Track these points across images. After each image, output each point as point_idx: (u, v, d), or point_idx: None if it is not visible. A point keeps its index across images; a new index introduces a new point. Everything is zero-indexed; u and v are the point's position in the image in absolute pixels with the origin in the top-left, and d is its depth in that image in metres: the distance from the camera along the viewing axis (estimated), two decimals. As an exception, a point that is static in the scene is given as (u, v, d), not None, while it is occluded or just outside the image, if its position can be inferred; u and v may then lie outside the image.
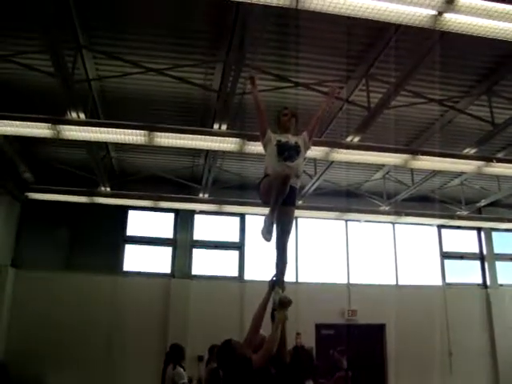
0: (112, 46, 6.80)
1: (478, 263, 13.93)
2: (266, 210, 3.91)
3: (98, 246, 11.61)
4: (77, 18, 6.19)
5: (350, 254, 13.13)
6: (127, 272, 11.94)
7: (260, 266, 11.75)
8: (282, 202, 3.83)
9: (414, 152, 8.41)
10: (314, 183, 10.65)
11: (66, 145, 9.65)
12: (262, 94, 5.00)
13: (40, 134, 7.50)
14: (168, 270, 12.17)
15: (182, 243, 12.32)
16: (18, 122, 7.22)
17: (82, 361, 10.51)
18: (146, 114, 8.44)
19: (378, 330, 12.65)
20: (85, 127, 7.39)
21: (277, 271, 3.98)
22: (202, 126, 8.34)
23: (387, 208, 12.09)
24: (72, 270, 11.23)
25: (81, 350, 10.62)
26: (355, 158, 8.58)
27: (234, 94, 7.10)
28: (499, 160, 8.77)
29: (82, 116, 7.37)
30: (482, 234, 13.98)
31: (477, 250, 14.03)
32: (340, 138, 8.46)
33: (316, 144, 7.35)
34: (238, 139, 7.74)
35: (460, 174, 11.28)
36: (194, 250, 12.43)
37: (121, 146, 9.92)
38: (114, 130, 7.49)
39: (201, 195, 11.32)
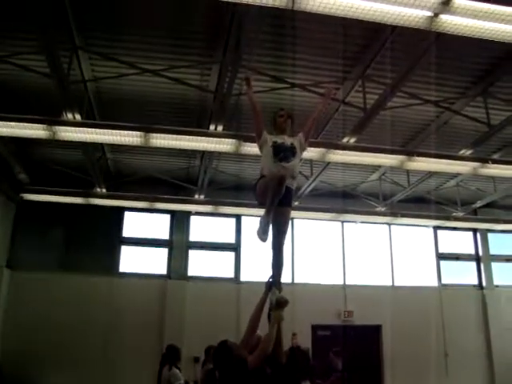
0: (108, 47, 6.79)
1: (473, 264, 13.97)
2: (262, 211, 3.91)
3: (94, 247, 11.60)
4: (73, 19, 6.18)
5: (346, 255, 13.14)
6: (123, 273, 11.90)
7: (256, 267, 11.74)
8: (277, 202, 3.82)
9: (410, 153, 8.46)
10: (310, 184, 10.67)
11: (61, 146, 9.63)
12: (258, 94, 5.01)
13: (36, 134, 7.48)
14: (164, 271, 12.15)
15: (178, 244, 12.30)
16: (13, 123, 7.20)
17: (78, 362, 10.47)
18: (141, 115, 8.42)
19: (374, 331, 12.65)
20: (80, 128, 7.38)
21: (273, 272, 3.98)
22: (198, 127, 8.33)
23: (383, 209, 12.12)
24: (68, 271, 11.18)
25: (77, 352, 10.58)
26: (351, 159, 8.61)
27: (230, 95, 7.10)
28: (495, 161, 8.82)
29: (78, 117, 7.37)
30: (478, 235, 14.03)
31: (473, 251, 14.07)
32: (336, 139, 8.48)
33: (312, 145, 7.35)
34: (234, 140, 7.76)
35: (456, 175, 11.31)
36: (190, 251, 12.41)
37: (117, 147, 9.89)
38: (109, 131, 7.49)
39: (197, 196, 11.30)
